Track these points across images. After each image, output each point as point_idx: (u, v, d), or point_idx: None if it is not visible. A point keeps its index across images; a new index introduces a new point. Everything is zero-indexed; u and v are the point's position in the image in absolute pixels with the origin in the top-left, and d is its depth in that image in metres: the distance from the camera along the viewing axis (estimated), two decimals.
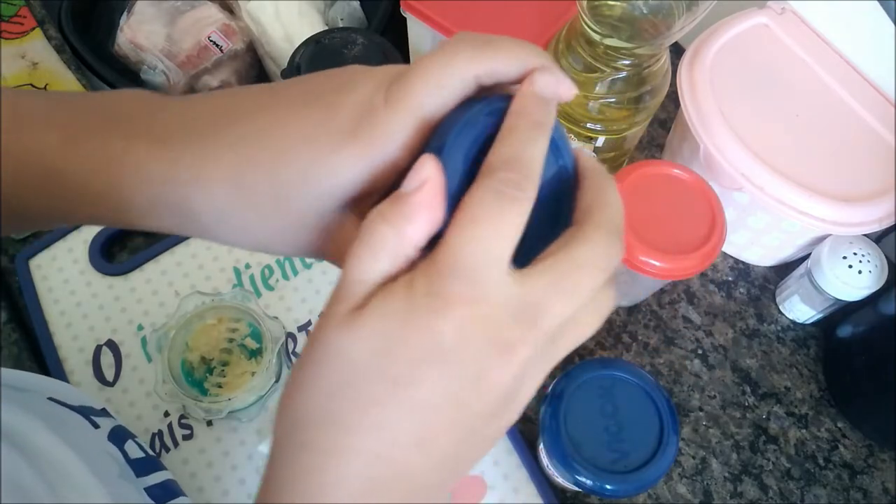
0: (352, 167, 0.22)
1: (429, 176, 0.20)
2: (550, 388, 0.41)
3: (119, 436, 0.39)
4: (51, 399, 0.36)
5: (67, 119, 0.25)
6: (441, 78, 0.22)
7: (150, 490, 0.37)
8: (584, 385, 0.40)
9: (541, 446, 0.46)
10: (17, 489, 0.27)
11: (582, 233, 0.21)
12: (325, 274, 0.57)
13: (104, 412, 0.41)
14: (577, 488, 0.42)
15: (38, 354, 0.53)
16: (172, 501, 0.39)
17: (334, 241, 0.25)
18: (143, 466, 0.38)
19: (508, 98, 0.23)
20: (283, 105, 0.23)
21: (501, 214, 0.19)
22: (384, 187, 0.23)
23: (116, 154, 0.23)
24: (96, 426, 0.38)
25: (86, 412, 0.38)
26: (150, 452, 0.41)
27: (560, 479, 0.46)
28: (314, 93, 0.23)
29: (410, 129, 0.22)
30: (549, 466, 0.45)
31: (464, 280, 0.19)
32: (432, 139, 0.22)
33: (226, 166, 0.22)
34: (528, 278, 0.20)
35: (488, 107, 0.22)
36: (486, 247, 0.19)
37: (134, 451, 0.39)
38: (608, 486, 0.39)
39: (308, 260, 0.57)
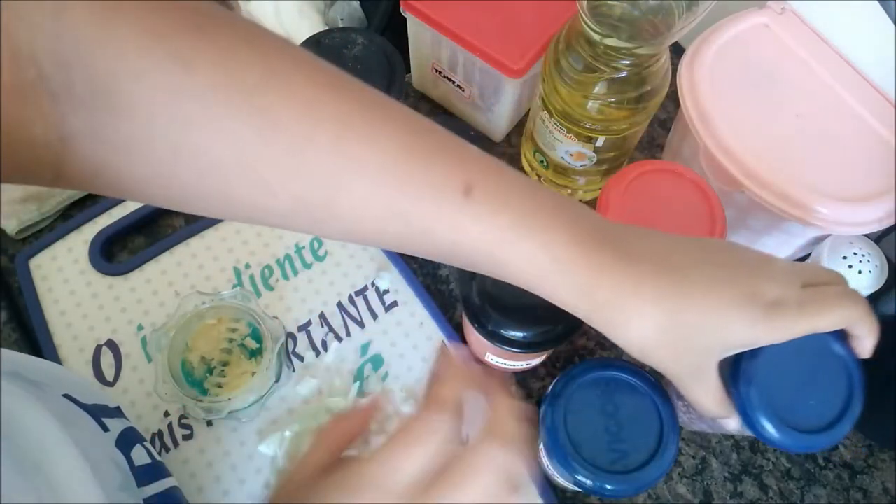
0: (747, 341, 0.32)
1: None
2: (550, 387, 0.41)
3: (128, 440, 0.38)
4: (65, 396, 0.36)
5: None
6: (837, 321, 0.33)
7: (150, 500, 0.37)
8: (584, 385, 0.40)
9: (540, 446, 0.46)
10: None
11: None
12: (324, 274, 0.57)
13: (118, 412, 0.41)
14: (577, 488, 0.42)
15: (39, 354, 0.53)
16: None
17: (697, 378, 0.34)
18: (147, 474, 0.38)
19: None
20: (713, 270, 0.32)
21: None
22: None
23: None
24: (106, 429, 0.37)
25: (98, 413, 0.38)
26: (157, 458, 0.41)
27: (560, 479, 0.46)
28: (738, 271, 0.33)
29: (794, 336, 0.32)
30: (549, 466, 0.45)
31: None
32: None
33: (661, 307, 0.31)
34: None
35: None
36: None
37: (141, 456, 0.38)
38: (608, 486, 0.39)
39: (308, 260, 0.57)
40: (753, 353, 0.35)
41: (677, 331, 0.32)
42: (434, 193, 0.30)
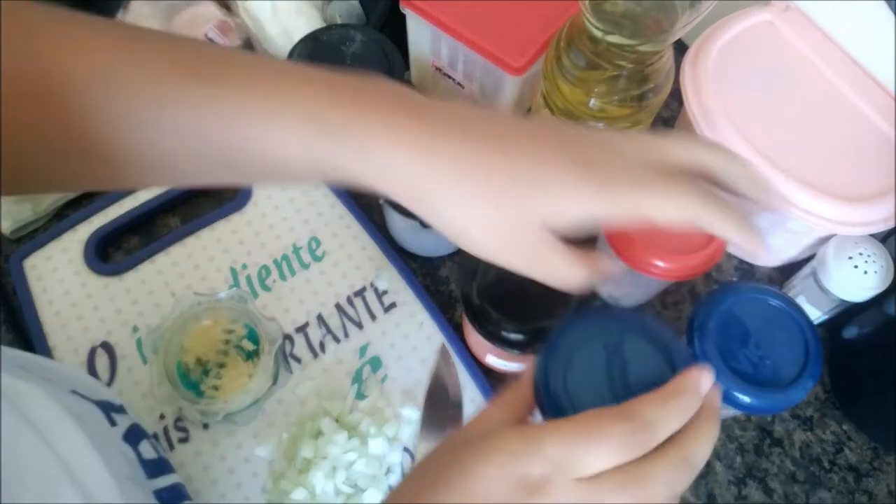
0: (579, 210, 0.28)
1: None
2: (549, 338, 0.33)
3: (135, 435, 0.39)
4: (73, 392, 0.36)
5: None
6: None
7: (159, 493, 0.37)
8: (588, 337, 0.32)
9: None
10: (39, 480, 0.27)
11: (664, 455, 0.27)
12: (322, 274, 0.56)
13: (122, 409, 0.41)
14: None
15: None
16: None
17: (523, 248, 0.30)
18: (154, 468, 0.38)
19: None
20: (541, 142, 0.29)
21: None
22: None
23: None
24: (113, 423, 0.38)
25: (105, 408, 0.38)
26: (162, 454, 0.41)
27: None
28: (570, 143, 0.29)
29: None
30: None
31: None
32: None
33: (476, 169, 0.28)
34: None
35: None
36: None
37: (148, 451, 0.39)
38: None
39: (306, 260, 0.57)
40: (707, 316, 0.36)
41: (508, 209, 0.29)
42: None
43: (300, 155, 0.28)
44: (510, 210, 0.28)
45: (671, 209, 0.28)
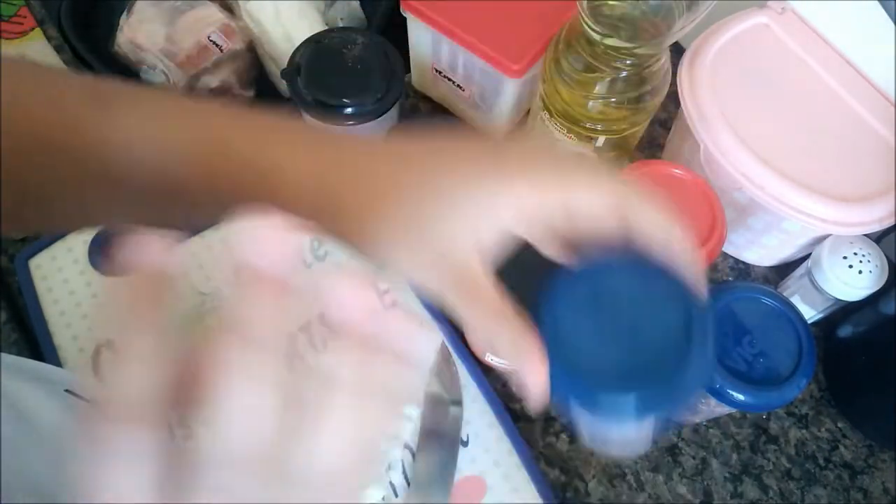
0: (508, 207, 0.27)
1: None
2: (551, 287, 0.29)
3: None
4: (67, 391, 0.37)
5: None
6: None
7: None
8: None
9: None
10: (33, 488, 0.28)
11: None
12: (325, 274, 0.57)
13: None
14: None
15: (38, 355, 0.53)
16: None
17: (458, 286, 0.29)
18: None
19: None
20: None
21: None
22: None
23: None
24: None
25: None
26: None
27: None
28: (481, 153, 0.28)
29: None
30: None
31: None
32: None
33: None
34: None
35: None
36: None
37: None
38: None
39: (307, 260, 0.57)
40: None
41: (419, 219, 0.28)
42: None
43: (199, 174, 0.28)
44: (429, 226, 0.28)
45: (597, 194, 0.26)
